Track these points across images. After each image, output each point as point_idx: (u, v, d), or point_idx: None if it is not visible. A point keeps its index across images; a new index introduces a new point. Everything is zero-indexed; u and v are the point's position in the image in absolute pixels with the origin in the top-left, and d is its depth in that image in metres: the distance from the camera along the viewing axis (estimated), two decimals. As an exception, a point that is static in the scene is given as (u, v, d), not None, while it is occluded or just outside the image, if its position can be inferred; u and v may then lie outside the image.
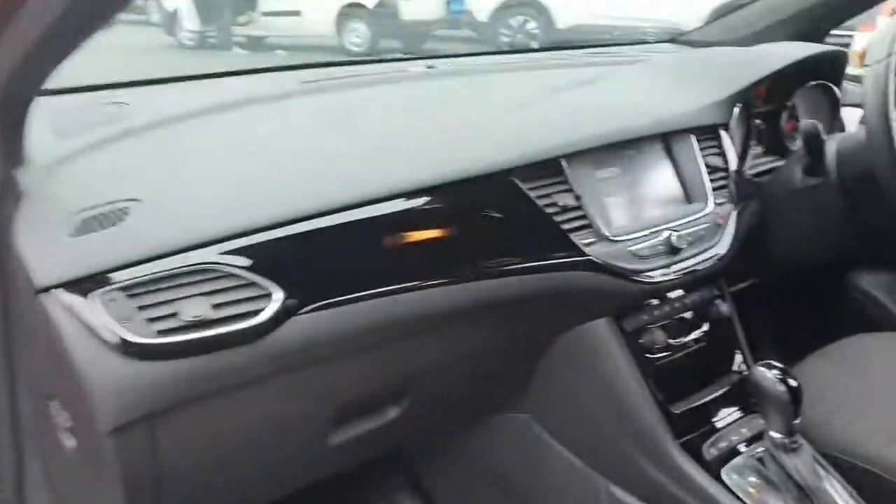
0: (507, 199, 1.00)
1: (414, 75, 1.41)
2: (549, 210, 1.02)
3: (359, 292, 0.86)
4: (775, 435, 1.03)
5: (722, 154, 1.24)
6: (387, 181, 0.92)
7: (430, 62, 1.48)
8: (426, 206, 0.94)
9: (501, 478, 1.28)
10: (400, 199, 0.92)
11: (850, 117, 1.54)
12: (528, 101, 1.20)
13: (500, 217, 1.00)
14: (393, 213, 0.91)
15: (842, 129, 1.52)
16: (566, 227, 1.02)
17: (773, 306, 1.65)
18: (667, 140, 1.19)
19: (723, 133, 1.26)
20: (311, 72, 1.34)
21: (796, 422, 1.02)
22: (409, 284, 0.90)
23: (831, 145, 1.28)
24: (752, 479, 1.07)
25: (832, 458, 1.05)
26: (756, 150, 1.38)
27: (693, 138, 1.21)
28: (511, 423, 1.23)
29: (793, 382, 1.01)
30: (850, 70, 1.60)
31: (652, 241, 1.10)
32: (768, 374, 1.02)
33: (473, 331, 1.02)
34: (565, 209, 1.04)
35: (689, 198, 1.18)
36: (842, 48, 1.52)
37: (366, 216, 0.89)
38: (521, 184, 1.01)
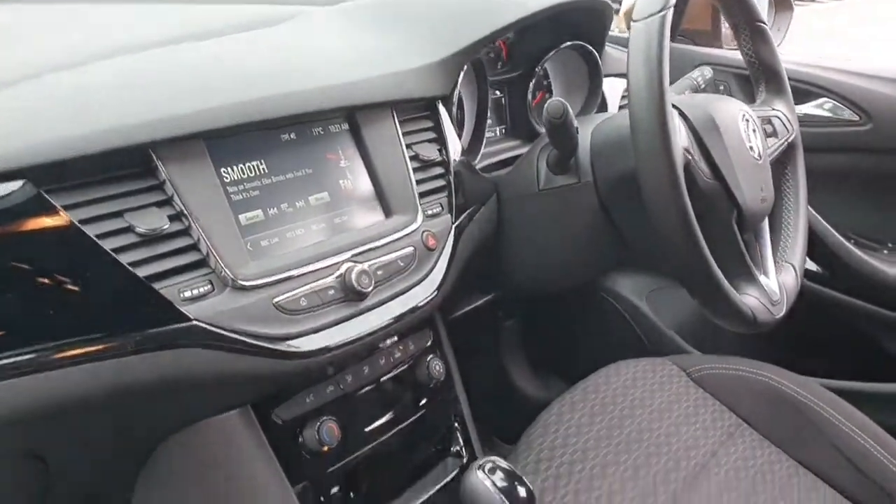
0: (39, 225, 0.54)
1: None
2: (114, 241, 0.57)
3: None
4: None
5: (439, 140, 0.85)
6: None
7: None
8: None
9: None
10: None
11: (614, 91, 1.22)
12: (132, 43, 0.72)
13: (28, 267, 0.54)
14: None
15: (604, 108, 1.19)
16: (149, 269, 0.58)
17: (525, 315, 1.37)
18: (353, 119, 0.77)
19: (441, 109, 0.87)
20: None
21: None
22: None
23: (586, 132, 0.93)
24: None
25: None
26: (492, 133, 0.99)
27: (394, 117, 0.80)
28: None
29: (522, 492, 0.66)
30: (617, 31, 1.29)
31: (319, 283, 0.68)
32: (486, 484, 0.66)
33: None
34: (153, 237, 0.59)
35: (385, 208, 0.78)
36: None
37: None
38: (56, 197, 0.55)
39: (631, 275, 1.44)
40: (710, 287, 0.83)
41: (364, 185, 0.77)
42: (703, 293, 0.85)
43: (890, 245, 1.27)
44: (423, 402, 0.82)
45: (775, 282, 0.94)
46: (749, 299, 0.88)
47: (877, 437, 1.00)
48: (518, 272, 0.99)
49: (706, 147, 0.84)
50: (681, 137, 0.80)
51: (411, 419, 0.80)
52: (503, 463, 0.69)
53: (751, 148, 0.89)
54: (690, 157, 0.81)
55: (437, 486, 0.81)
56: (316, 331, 0.67)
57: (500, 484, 0.66)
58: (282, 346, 0.64)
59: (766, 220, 0.97)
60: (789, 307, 0.94)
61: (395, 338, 0.81)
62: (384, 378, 0.79)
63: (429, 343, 0.84)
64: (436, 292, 0.78)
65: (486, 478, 0.67)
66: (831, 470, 1.00)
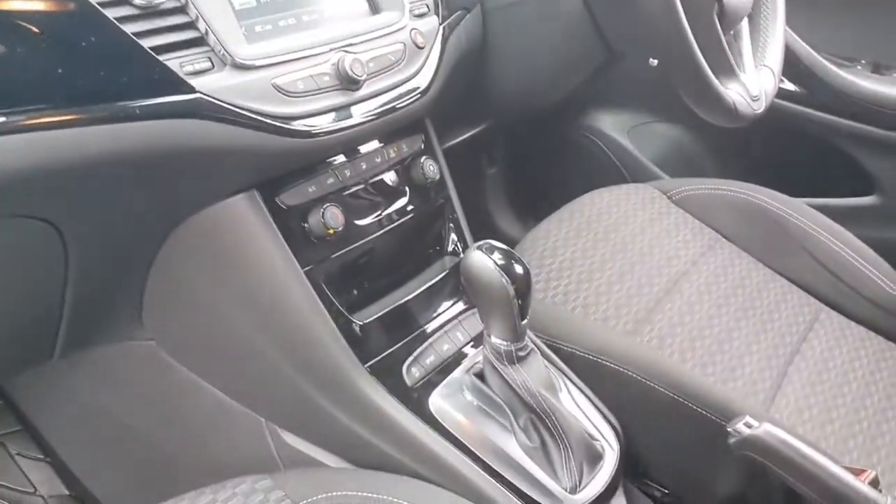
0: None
1: None
2: (116, 11, 0.58)
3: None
4: (497, 341, 0.73)
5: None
6: None
7: None
8: None
9: (129, 410, 0.90)
10: None
11: None
12: None
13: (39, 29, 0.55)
14: None
15: None
16: (150, 41, 0.59)
17: (504, 157, 1.40)
18: None
19: None
20: None
21: (524, 322, 0.72)
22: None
23: None
24: (470, 399, 0.78)
25: (563, 352, 0.86)
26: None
27: None
28: (133, 352, 0.83)
29: (519, 269, 0.70)
30: None
31: (314, 69, 0.70)
32: (486, 261, 0.70)
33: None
34: (151, 10, 0.60)
35: (373, 6, 0.79)
36: None
37: None
38: None
39: (612, 112, 1.46)
40: (697, 79, 0.86)
41: (350, -19, 0.78)
42: (690, 85, 0.87)
43: (863, 61, 1.29)
44: (420, 200, 0.85)
45: (754, 80, 0.97)
46: (731, 93, 0.91)
47: (851, 244, 1.05)
48: (506, 84, 1.01)
49: None
50: None
51: (409, 215, 0.83)
52: (500, 245, 0.73)
53: None
54: None
55: (438, 277, 0.85)
56: (314, 114, 0.69)
57: (499, 261, 0.70)
58: (283, 124, 0.66)
59: (747, 22, 0.99)
60: (768, 105, 0.97)
61: (389, 141, 0.83)
62: (382, 174, 0.81)
63: (422, 146, 0.87)
64: (426, 89, 0.80)
65: (485, 256, 0.71)
66: (806, 275, 1.05)
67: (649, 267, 1.00)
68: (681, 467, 0.86)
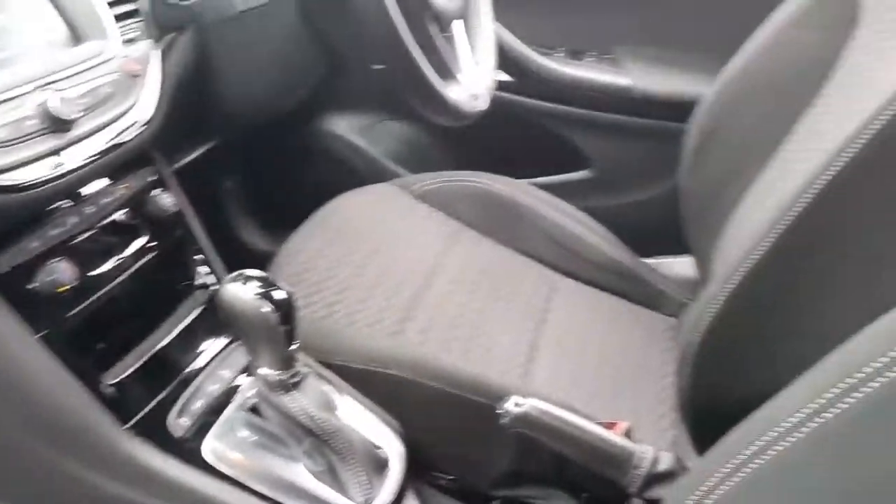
0: None
1: None
2: None
3: None
4: (267, 372, 0.71)
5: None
6: None
7: None
8: None
9: None
10: None
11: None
12: None
13: None
14: None
15: None
16: None
17: (243, 170, 1.36)
18: None
19: None
20: None
21: (293, 347, 0.71)
22: None
23: None
24: (247, 435, 0.75)
25: (335, 366, 0.85)
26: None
27: None
28: None
29: (279, 294, 0.68)
30: None
31: (14, 112, 0.62)
32: (243, 292, 0.67)
33: None
34: None
35: (75, 34, 0.72)
36: None
37: None
38: None
39: (346, 114, 1.47)
40: (419, 83, 0.89)
41: (46, 10, 0.70)
42: (412, 89, 0.90)
43: (563, 49, 1.42)
44: (160, 235, 0.80)
45: (473, 78, 1.03)
46: (453, 94, 0.96)
47: (574, 215, 1.17)
48: (231, 99, 0.97)
49: None
50: None
51: (151, 254, 0.78)
52: (255, 272, 0.70)
53: None
54: None
55: (193, 314, 0.80)
56: (21, 164, 0.62)
57: (258, 290, 0.68)
58: None
59: (462, 24, 1.05)
60: (489, 101, 1.04)
61: (116, 178, 0.77)
62: (113, 214, 0.75)
63: (153, 178, 0.81)
64: (150, 120, 0.75)
65: (240, 286, 0.68)
66: (540, 249, 1.15)
67: (403, 265, 1.04)
68: (461, 452, 0.90)
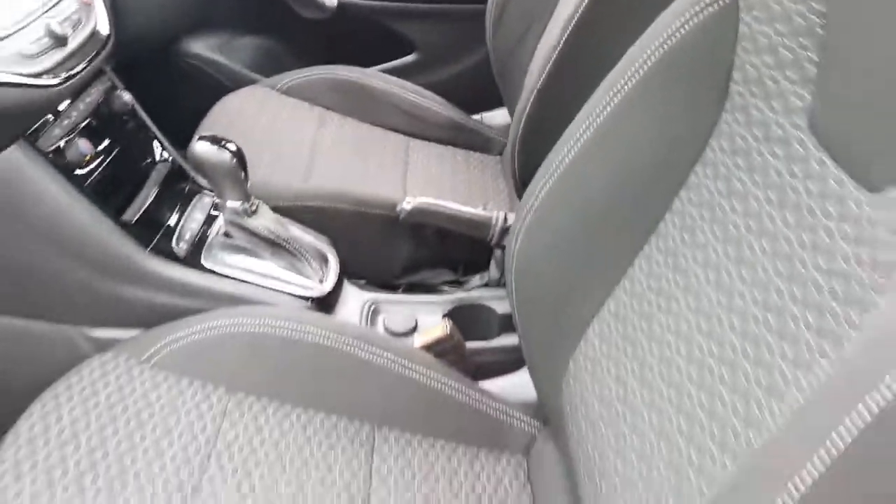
0: None
1: None
2: None
3: None
4: (234, 204, 1.01)
5: None
6: None
7: None
8: None
9: None
10: None
11: None
12: None
13: None
14: None
15: None
16: None
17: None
18: None
19: None
20: None
21: (248, 185, 1.02)
22: None
23: None
24: (229, 254, 1.05)
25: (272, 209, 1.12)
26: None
27: None
28: None
29: (233, 147, 0.99)
30: None
31: (36, 35, 0.87)
32: (209, 146, 0.97)
33: None
34: None
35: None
36: None
37: None
38: None
39: (202, 35, 1.67)
40: None
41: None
42: None
43: None
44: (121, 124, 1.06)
45: None
46: None
47: (416, 91, 1.51)
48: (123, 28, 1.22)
49: None
50: None
51: (123, 138, 1.05)
52: (210, 135, 0.99)
53: None
54: None
55: (166, 173, 1.09)
56: (50, 69, 0.88)
57: (219, 143, 0.98)
58: (35, 83, 0.85)
59: None
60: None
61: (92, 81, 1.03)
62: (99, 107, 1.02)
63: (110, 83, 1.07)
64: (108, 32, 1.01)
65: (206, 142, 0.98)
66: (394, 119, 1.46)
67: (290, 144, 1.31)
68: (370, 257, 1.24)
